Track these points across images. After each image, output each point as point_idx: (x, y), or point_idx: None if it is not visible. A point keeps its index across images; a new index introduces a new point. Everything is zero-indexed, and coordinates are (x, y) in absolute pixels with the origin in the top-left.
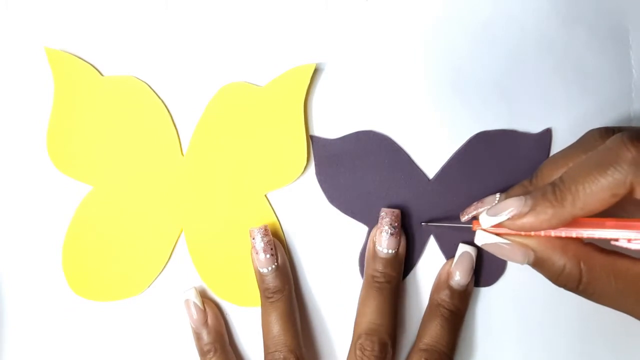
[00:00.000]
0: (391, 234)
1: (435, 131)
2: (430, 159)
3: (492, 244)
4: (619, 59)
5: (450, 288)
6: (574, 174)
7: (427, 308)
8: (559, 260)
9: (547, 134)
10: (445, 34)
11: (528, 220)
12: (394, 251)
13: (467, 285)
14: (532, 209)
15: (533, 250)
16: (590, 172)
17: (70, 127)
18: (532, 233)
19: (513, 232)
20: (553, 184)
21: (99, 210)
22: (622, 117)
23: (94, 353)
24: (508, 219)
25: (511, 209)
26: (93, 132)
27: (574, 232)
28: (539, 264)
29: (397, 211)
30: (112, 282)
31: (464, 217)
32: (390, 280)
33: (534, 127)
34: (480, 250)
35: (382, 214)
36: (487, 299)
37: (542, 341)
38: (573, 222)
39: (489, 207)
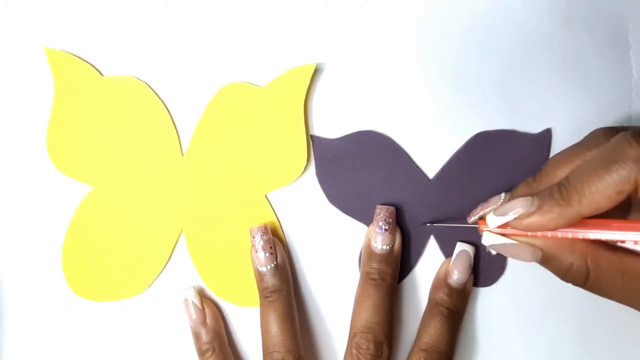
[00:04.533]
0: (385, 230)
1: (436, 131)
2: (430, 159)
3: (499, 244)
4: (619, 59)
5: (449, 286)
6: (579, 172)
7: (426, 308)
8: (566, 257)
9: (547, 134)
10: (446, 34)
11: (535, 219)
12: (388, 247)
13: (466, 283)
14: (539, 209)
15: (540, 249)
16: (596, 170)
17: (70, 127)
18: (539, 233)
19: (520, 232)
20: (559, 184)
21: (99, 210)
22: (622, 117)
23: (94, 353)
24: (515, 218)
25: (518, 208)
26: (93, 132)
27: (580, 234)
28: (546, 261)
29: (391, 208)
30: (112, 282)
31: (471, 219)
32: (386, 278)
33: (534, 127)
34: (478, 249)
35: (377, 210)
36: (487, 299)
37: (542, 341)
38: (579, 224)
39: (495, 207)
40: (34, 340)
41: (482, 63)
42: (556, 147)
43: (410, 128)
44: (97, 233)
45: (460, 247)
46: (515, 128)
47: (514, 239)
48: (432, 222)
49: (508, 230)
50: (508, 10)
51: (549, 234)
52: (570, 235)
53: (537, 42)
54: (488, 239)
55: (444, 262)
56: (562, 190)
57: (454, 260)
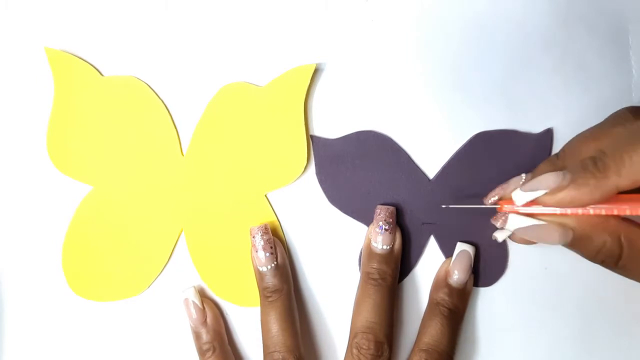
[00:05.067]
0: (386, 230)
1: (436, 131)
2: (430, 159)
3: (526, 227)
4: (619, 59)
5: (449, 286)
6: (616, 144)
7: (426, 308)
8: (599, 236)
9: (547, 134)
10: (446, 34)
11: (569, 193)
12: (388, 247)
13: (466, 283)
14: (573, 182)
15: (572, 228)
16: (636, 141)
17: (70, 127)
18: (569, 211)
19: (548, 211)
20: (593, 157)
21: (99, 210)
22: None
23: (94, 353)
24: (546, 193)
25: (549, 182)
26: (93, 132)
27: (615, 209)
28: (576, 242)
29: (391, 208)
30: (112, 282)
31: (489, 200)
32: (386, 277)
33: (535, 127)
34: (478, 249)
35: (377, 210)
36: (487, 299)
37: (542, 341)
38: (613, 199)
39: (515, 187)
40: (34, 340)
41: (482, 63)
42: (557, 147)
43: (410, 128)
44: (97, 233)
45: (460, 247)
46: (515, 128)
47: (543, 220)
48: (451, 205)
49: (534, 209)
50: (508, 10)
51: (580, 211)
52: (604, 212)
53: (537, 42)
54: (513, 222)
55: (444, 262)
56: (597, 163)
57: (454, 260)
